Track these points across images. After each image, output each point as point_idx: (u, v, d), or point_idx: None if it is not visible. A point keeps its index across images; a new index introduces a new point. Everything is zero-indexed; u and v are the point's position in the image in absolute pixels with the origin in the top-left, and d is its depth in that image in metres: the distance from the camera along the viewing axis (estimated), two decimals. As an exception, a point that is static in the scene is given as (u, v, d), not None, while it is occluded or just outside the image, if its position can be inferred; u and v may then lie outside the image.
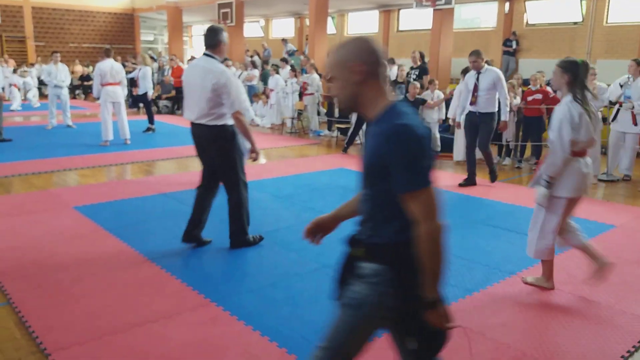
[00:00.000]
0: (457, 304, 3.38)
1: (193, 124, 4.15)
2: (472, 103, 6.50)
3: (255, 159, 4.25)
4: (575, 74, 3.39)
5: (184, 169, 7.56)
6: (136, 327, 2.99)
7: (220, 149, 4.11)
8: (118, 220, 4.97)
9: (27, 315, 3.09)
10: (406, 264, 1.64)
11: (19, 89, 15.25)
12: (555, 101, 7.90)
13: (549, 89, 7.94)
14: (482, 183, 6.87)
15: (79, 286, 3.54)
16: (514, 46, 14.61)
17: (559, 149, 3.39)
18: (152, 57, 17.35)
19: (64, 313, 3.14)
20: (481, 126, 6.50)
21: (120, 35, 22.96)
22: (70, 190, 6.17)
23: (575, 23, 13.86)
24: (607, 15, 13.22)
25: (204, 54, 4.09)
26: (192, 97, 4.08)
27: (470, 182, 6.72)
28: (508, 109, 6.58)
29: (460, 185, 6.69)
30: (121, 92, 9.25)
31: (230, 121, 4.08)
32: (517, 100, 8.06)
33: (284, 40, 17.98)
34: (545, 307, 3.38)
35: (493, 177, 6.83)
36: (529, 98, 7.91)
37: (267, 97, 12.55)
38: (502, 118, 6.54)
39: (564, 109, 3.41)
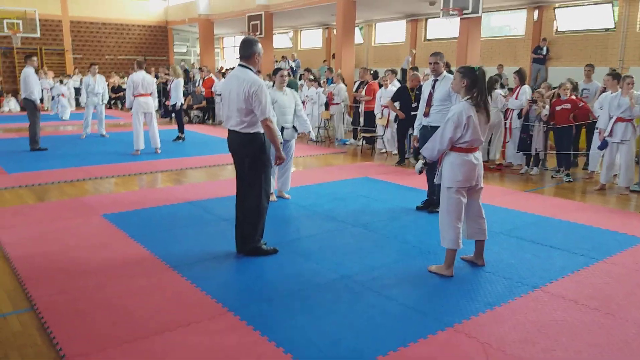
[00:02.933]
0: (476, 318, 3.32)
1: (229, 131, 4.29)
2: (426, 115, 5.62)
3: (280, 164, 4.38)
4: (474, 80, 3.76)
5: (212, 178, 7.67)
6: (155, 336, 3.04)
7: (249, 155, 4.21)
8: (144, 228, 5.07)
9: (49, 322, 3.18)
10: None
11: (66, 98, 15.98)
12: (585, 110, 7.71)
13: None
14: (508, 193, 6.75)
15: (102, 293, 3.62)
16: (544, 52, 14.32)
17: (438, 142, 3.83)
18: (185, 70, 17.74)
19: (86, 320, 3.22)
20: None
21: (154, 48, 23.54)
22: (101, 198, 6.33)
23: (607, 29, 13.53)
24: (641, 21, 12.92)
25: (239, 65, 4.23)
26: (229, 107, 4.22)
27: (430, 202, 5.85)
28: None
29: (419, 208, 5.87)
30: (152, 103, 9.49)
31: (261, 129, 4.18)
32: (546, 110, 7.88)
33: (284, 58, 18.02)
34: (569, 323, 3.28)
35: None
36: (557, 108, 7.74)
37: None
38: None
39: (456, 109, 3.79)
